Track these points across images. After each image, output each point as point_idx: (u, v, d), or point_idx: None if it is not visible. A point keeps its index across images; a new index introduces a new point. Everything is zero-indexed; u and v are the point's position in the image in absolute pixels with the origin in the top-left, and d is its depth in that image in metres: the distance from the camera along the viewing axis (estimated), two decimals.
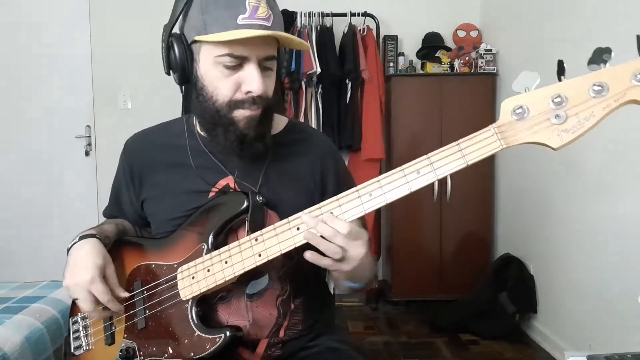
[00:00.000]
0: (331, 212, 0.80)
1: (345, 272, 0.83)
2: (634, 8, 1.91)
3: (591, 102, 0.68)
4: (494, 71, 3.11)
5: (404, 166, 0.77)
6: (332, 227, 0.78)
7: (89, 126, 3.41)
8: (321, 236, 0.79)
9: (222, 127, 0.91)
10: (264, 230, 0.84)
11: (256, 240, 0.85)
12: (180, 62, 0.90)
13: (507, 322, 2.70)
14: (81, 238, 0.97)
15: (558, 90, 0.70)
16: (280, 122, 1.05)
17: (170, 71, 0.94)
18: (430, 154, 0.76)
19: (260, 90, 0.88)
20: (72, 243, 0.97)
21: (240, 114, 0.90)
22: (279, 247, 0.83)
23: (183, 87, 0.98)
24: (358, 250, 0.80)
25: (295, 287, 1.00)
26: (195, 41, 0.89)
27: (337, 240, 0.78)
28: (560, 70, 0.70)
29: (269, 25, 0.86)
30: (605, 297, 2.10)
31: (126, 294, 0.96)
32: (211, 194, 0.98)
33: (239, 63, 0.87)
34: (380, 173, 3.41)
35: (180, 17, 0.91)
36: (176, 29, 0.92)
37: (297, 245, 0.82)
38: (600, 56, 0.68)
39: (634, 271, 1.92)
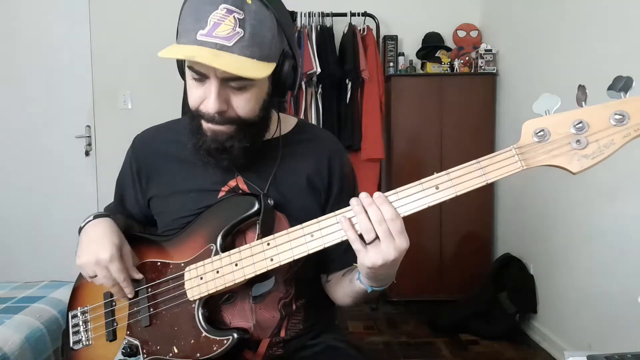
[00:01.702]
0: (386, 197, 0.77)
1: (369, 265, 0.77)
2: (633, 7, 1.91)
3: (612, 130, 0.69)
4: (494, 71, 3.12)
5: (422, 180, 0.77)
6: (380, 210, 0.75)
7: (89, 126, 3.41)
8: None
9: (192, 133, 0.91)
10: (277, 234, 0.84)
11: (268, 244, 0.84)
12: (179, 61, 0.93)
13: (507, 322, 2.70)
14: (95, 217, 0.97)
15: (580, 116, 0.71)
16: (289, 123, 1.04)
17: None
18: (449, 170, 0.76)
19: (214, 109, 0.85)
20: (86, 222, 0.96)
21: (205, 125, 0.89)
22: (292, 253, 0.82)
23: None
24: (393, 251, 0.75)
25: (298, 290, 1.00)
26: None
27: (379, 229, 0.75)
28: (582, 96, 0.71)
29: (230, 45, 0.80)
30: (605, 297, 2.10)
31: (140, 275, 0.95)
32: (221, 194, 0.97)
33: (201, 77, 0.86)
34: (380, 173, 3.40)
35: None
36: None
37: (310, 252, 0.81)
38: (621, 84, 0.69)
39: (634, 271, 1.93)
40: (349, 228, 0.77)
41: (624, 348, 0.88)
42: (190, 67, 0.85)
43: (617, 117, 0.69)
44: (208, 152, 0.91)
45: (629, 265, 1.96)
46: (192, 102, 0.89)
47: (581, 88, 0.71)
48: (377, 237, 0.75)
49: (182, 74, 0.93)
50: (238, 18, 0.81)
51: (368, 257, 0.76)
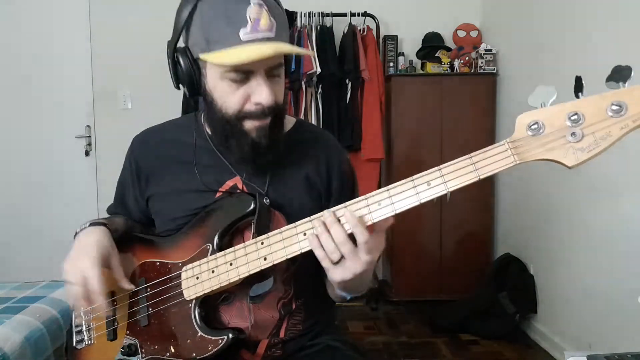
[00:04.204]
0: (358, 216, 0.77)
1: (338, 280, 0.80)
2: (633, 7, 1.91)
3: (609, 122, 0.66)
4: (494, 71, 3.12)
5: (414, 177, 0.76)
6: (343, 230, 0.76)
7: (89, 126, 3.41)
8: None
9: (234, 139, 0.91)
10: (270, 233, 0.84)
11: (262, 243, 0.84)
12: (188, 77, 0.90)
13: (507, 322, 2.70)
14: (92, 224, 0.96)
15: (575, 108, 0.68)
16: (288, 122, 1.04)
17: (180, 85, 0.94)
18: (441, 166, 0.74)
19: (270, 101, 0.87)
20: (82, 228, 0.96)
21: (250, 124, 0.89)
22: (285, 252, 0.82)
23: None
24: (359, 266, 0.77)
25: (297, 289, 1.00)
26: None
27: (344, 249, 0.76)
28: (578, 87, 0.68)
29: (273, 35, 0.83)
30: (606, 297, 2.10)
31: (132, 286, 0.95)
32: (218, 195, 0.97)
33: (245, 77, 0.86)
34: (380, 173, 3.38)
35: (183, 32, 0.89)
36: (181, 42, 0.91)
37: (303, 250, 0.81)
38: (619, 74, 0.66)
39: (634, 271, 1.93)
40: (317, 247, 0.78)
41: (624, 348, 0.88)
42: (234, 70, 0.84)
43: (615, 107, 0.66)
44: (255, 151, 0.90)
45: (629, 265, 1.96)
46: (235, 105, 0.88)
47: (578, 79, 0.69)
48: (342, 256, 0.77)
49: (195, 91, 0.92)
50: (267, 9, 0.84)
51: (337, 274, 0.79)
